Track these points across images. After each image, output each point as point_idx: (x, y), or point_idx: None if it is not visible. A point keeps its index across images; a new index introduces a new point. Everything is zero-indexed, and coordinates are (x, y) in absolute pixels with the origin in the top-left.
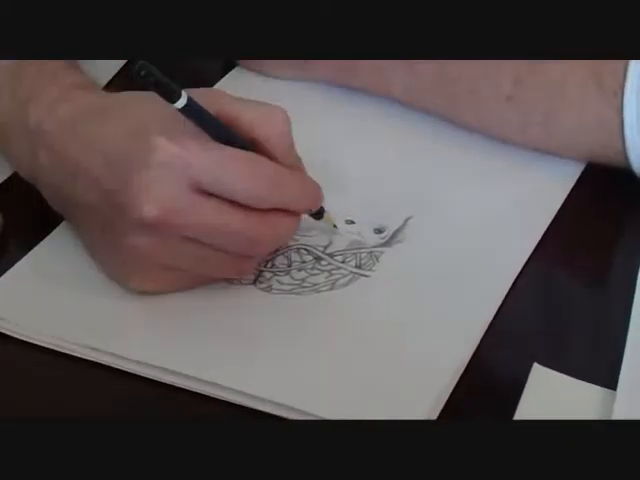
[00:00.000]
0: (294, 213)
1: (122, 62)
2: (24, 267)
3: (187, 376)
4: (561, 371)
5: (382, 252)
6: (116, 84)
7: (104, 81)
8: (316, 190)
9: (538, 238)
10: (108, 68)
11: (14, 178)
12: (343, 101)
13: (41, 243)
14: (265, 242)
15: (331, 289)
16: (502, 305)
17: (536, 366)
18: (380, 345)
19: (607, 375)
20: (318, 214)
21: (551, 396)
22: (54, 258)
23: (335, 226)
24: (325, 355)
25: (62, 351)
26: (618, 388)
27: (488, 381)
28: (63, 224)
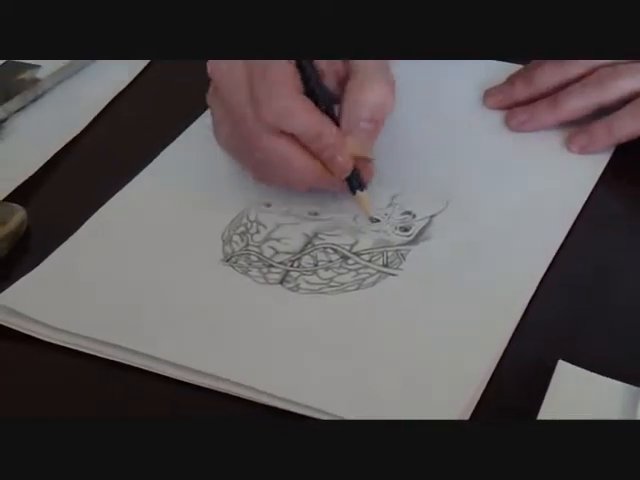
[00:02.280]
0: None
1: (143, 63)
2: (48, 267)
3: (210, 375)
4: (587, 368)
5: (409, 250)
6: (135, 86)
7: (124, 84)
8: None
9: (565, 233)
10: (130, 69)
11: (38, 175)
12: None
13: (65, 243)
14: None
15: (358, 288)
16: (530, 301)
17: (561, 363)
18: (410, 345)
19: (633, 372)
20: (351, 184)
21: (576, 393)
22: (78, 258)
23: (370, 218)
24: (354, 355)
25: (82, 350)
26: None
27: (513, 378)
28: (86, 225)
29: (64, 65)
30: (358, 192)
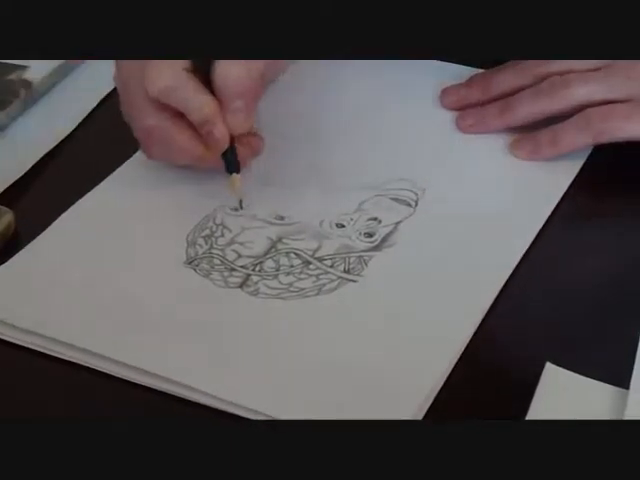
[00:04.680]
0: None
1: None
2: (10, 269)
3: (168, 379)
4: (574, 370)
5: (372, 256)
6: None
7: (109, 88)
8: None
9: (533, 236)
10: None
11: (26, 177)
12: (341, 96)
13: (28, 246)
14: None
15: (317, 294)
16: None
17: (549, 365)
18: (364, 350)
19: (620, 374)
20: (226, 163)
21: (564, 395)
22: (42, 261)
23: (240, 202)
24: (309, 359)
25: (45, 352)
26: (631, 387)
27: (501, 380)
28: (50, 228)
29: (55, 69)
30: (230, 175)
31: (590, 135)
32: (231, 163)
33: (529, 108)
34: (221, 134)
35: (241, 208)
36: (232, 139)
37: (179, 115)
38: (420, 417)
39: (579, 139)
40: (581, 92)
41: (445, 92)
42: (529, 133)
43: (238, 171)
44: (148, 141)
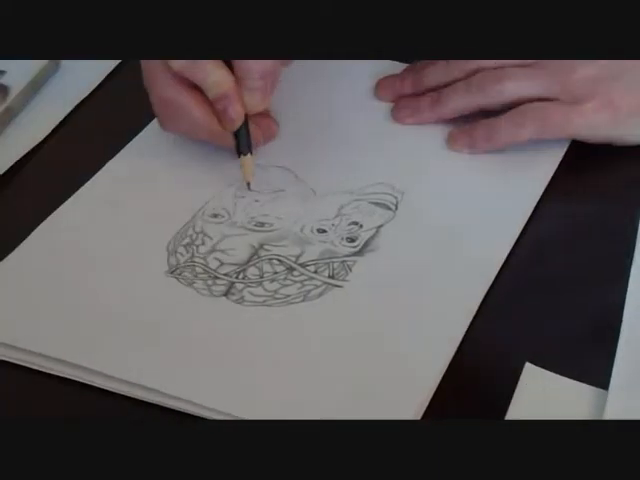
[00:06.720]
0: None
1: (114, 64)
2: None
3: (154, 390)
4: (554, 371)
5: (355, 261)
6: (108, 86)
7: (95, 83)
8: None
9: (516, 236)
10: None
11: (7, 175)
12: (315, 100)
13: (9, 256)
14: None
15: (303, 300)
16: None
17: (528, 365)
18: (354, 355)
19: (600, 375)
20: (238, 144)
21: (543, 396)
22: (20, 270)
23: (248, 184)
24: (299, 365)
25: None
26: (610, 388)
27: (481, 380)
28: (30, 238)
29: (32, 79)
30: (242, 156)
31: (526, 132)
32: (243, 143)
33: (459, 101)
34: (236, 111)
35: (249, 190)
36: (246, 119)
37: (197, 90)
38: (418, 417)
39: (514, 136)
40: (511, 87)
41: (380, 84)
42: (465, 126)
43: (251, 152)
44: (164, 113)
